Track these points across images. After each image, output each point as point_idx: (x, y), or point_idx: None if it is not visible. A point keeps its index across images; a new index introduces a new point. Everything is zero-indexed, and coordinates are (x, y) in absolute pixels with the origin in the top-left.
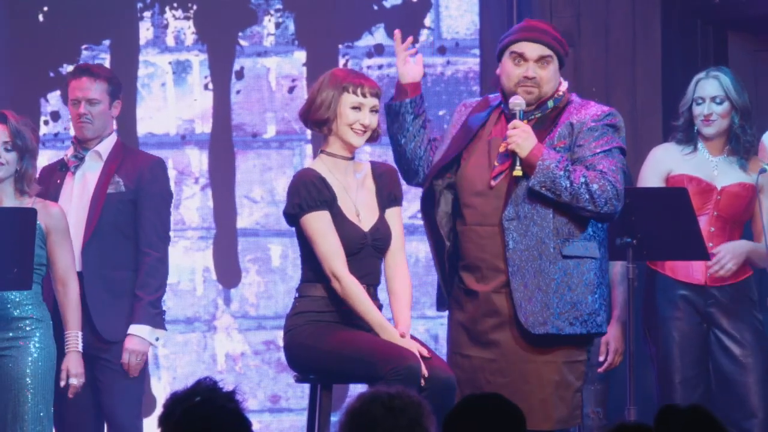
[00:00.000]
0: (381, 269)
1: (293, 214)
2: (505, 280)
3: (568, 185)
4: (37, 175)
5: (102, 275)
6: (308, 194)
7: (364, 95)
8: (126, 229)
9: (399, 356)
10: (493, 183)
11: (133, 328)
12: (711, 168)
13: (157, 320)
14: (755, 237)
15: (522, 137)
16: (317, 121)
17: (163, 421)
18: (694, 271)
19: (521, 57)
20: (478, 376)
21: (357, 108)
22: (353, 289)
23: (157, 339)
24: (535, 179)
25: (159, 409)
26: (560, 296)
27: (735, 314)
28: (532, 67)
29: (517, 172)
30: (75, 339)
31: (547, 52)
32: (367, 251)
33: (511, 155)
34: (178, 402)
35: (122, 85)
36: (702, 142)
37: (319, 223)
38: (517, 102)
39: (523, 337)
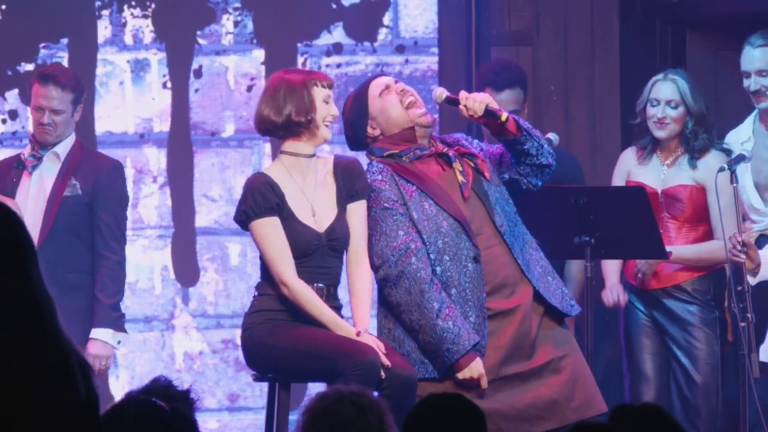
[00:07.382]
0: (341, 268)
1: (241, 221)
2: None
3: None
4: None
5: (57, 278)
6: (254, 201)
7: (330, 87)
8: (82, 232)
9: (358, 351)
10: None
11: (96, 332)
12: (659, 173)
13: (118, 323)
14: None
15: (480, 94)
16: (298, 123)
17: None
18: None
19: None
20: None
21: (325, 101)
22: (302, 293)
23: (119, 342)
24: (521, 119)
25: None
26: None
27: (681, 317)
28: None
29: (504, 116)
30: None
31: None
32: (323, 252)
33: (485, 115)
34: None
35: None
36: (655, 146)
37: (265, 229)
38: (438, 92)
39: (554, 334)
